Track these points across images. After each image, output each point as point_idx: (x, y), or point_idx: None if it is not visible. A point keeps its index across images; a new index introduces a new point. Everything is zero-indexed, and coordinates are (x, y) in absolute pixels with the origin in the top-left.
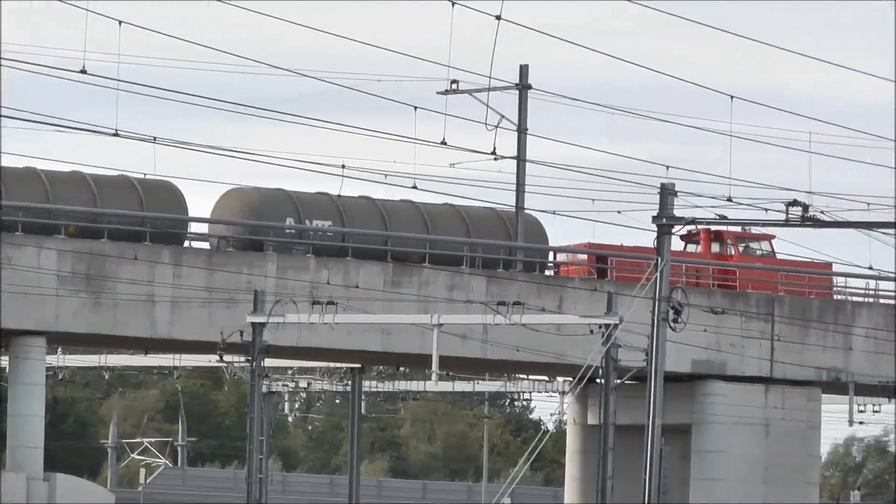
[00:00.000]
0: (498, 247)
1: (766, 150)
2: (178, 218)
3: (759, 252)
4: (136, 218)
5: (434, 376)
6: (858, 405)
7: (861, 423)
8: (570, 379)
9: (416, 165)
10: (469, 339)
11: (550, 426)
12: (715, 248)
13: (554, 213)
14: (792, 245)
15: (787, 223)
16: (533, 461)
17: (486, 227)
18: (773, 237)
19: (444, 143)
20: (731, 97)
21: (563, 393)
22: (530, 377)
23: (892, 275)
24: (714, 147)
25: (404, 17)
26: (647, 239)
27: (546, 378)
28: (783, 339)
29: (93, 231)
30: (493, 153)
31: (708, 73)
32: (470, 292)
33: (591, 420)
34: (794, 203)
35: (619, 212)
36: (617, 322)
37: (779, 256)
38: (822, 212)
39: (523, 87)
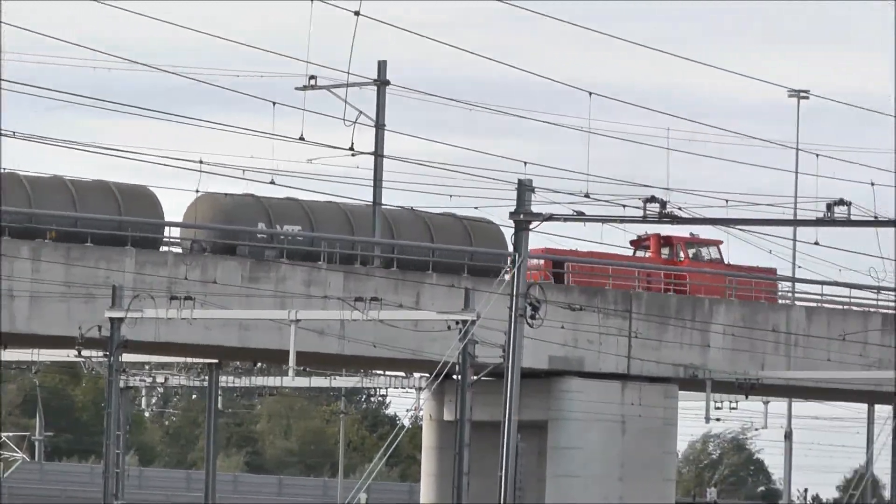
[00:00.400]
0: (462, 253)
1: (625, 146)
2: (153, 222)
3: (707, 258)
4: (114, 222)
5: (291, 372)
6: (715, 402)
7: (718, 419)
8: (427, 375)
9: (275, 161)
10: (326, 335)
11: (407, 422)
12: (665, 252)
13: (412, 208)
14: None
15: (644, 219)
16: (389, 457)
17: (449, 234)
18: (721, 242)
19: (302, 138)
20: (590, 93)
21: (419, 389)
22: (387, 373)
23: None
24: (572, 143)
25: (263, 13)
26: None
27: (403, 374)
28: (641, 335)
29: (73, 235)
30: (351, 149)
31: (567, 69)
32: (327, 288)
33: (448, 416)
34: (652, 199)
35: (475, 207)
36: (474, 318)
37: (726, 262)
38: (679, 208)
39: (381, 82)
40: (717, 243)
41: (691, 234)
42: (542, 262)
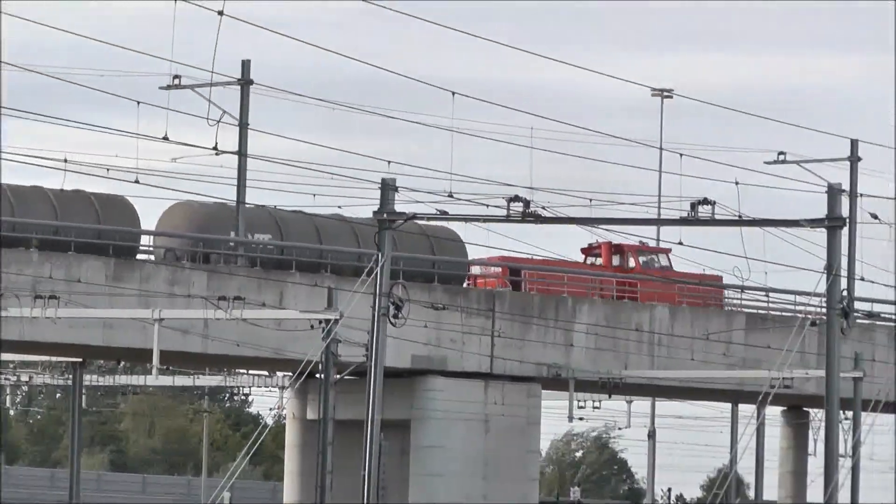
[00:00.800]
0: (421, 261)
1: (488, 145)
2: (130, 230)
3: (657, 265)
4: (93, 231)
5: (154, 371)
6: (578, 401)
7: (581, 418)
8: (291, 374)
9: (139, 160)
10: (190, 334)
11: (270, 421)
12: (616, 260)
13: (275, 207)
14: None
15: (508, 219)
16: (252, 456)
17: (410, 241)
18: (670, 251)
19: (166, 138)
20: (453, 93)
21: (283, 388)
22: (250, 372)
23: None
24: (436, 142)
25: (127, 12)
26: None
27: (266, 373)
28: (504, 335)
29: (54, 244)
30: (215, 148)
31: (430, 69)
32: (191, 287)
33: (311, 415)
34: (516, 199)
35: (339, 206)
36: (337, 317)
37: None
38: (543, 207)
39: (245, 82)
40: (666, 251)
41: (641, 241)
42: (499, 269)
